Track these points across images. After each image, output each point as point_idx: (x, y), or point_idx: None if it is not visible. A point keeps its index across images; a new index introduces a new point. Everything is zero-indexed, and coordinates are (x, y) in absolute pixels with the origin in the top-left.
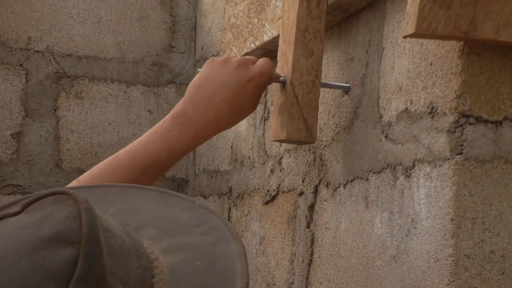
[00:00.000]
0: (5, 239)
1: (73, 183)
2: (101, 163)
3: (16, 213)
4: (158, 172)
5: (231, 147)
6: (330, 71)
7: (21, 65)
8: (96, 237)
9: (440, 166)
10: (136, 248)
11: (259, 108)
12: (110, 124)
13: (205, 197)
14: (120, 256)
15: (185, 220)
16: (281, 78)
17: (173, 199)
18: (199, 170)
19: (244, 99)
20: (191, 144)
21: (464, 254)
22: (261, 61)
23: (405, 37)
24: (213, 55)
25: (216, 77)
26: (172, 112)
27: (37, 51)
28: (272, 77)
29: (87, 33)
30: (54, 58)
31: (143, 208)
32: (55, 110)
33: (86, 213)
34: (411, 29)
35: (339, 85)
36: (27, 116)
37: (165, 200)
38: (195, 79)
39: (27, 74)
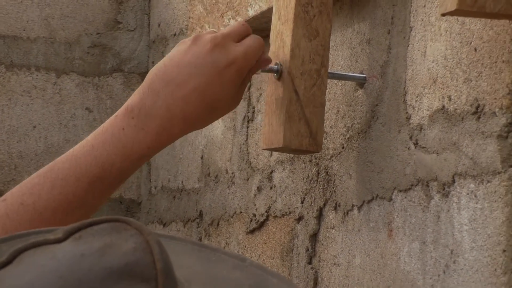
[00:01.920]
0: (61, 266)
1: None
2: (33, 176)
3: (59, 240)
4: (110, 185)
5: (202, 158)
6: (339, 57)
7: None
8: (173, 275)
9: (488, 182)
10: None
11: (241, 105)
12: (34, 127)
13: (164, 224)
14: None
15: (237, 279)
16: (276, 66)
17: (217, 254)
18: (155, 188)
19: (220, 90)
20: (152, 146)
21: None
22: (248, 39)
23: (443, 15)
24: (174, 35)
25: (184, 58)
26: (125, 105)
27: None
28: (260, 61)
29: (3, 4)
30: None
31: (179, 260)
32: None
33: (157, 246)
34: (452, 5)
35: (352, 75)
36: None
37: (205, 255)
38: (159, 63)
39: None
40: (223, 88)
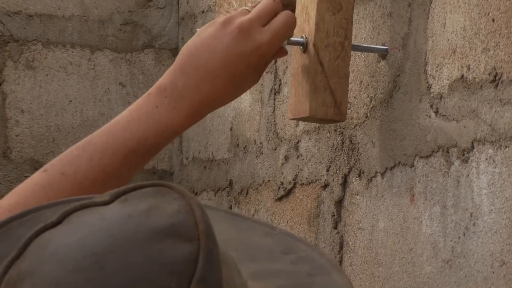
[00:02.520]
0: (110, 225)
1: (39, 173)
2: (72, 148)
3: (106, 203)
4: (144, 158)
5: (231, 129)
6: (362, 30)
7: None
8: (214, 236)
9: (506, 147)
10: (235, 263)
11: (268, 78)
12: (71, 101)
13: (196, 193)
14: (228, 267)
15: (269, 245)
16: (301, 39)
17: (248, 222)
18: (187, 159)
19: (245, 73)
20: (183, 123)
21: None
22: (276, 23)
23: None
24: (202, 12)
25: (213, 42)
26: (158, 83)
27: None
28: (276, 53)
29: None
30: None
31: (215, 227)
32: (0, 85)
33: (199, 209)
34: None
35: (375, 47)
36: None
37: (237, 222)
38: (189, 43)
39: None
40: (248, 71)
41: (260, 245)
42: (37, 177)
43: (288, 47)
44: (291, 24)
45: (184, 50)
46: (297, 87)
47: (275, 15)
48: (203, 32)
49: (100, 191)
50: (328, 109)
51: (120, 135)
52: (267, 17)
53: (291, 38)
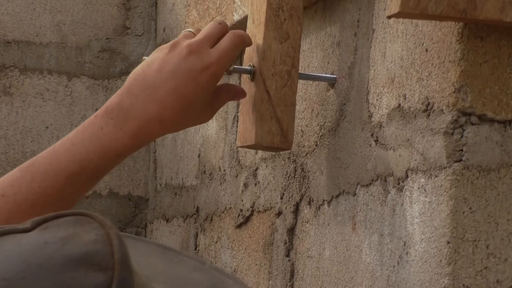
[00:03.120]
0: (25, 251)
1: None
2: (15, 170)
3: (26, 230)
4: (88, 180)
5: (199, 156)
6: (314, 59)
7: None
8: (130, 266)
9: (436, 176)
10: None
11: (231, 105)
12: (47, 127)
13: (167, 220)
14: None
15: (197, 280)
16: (249, 67)
17: (179, 256)
18: (160, 185)
19: (195, 93)
20: (129, 145)
21: (463, 285)
22: (223, 41)
23: (389, 17)
24: None
25: (162, 64)
26: (105, 106)
27: None
28: (235, 93)
29: (17, 11)
30: None
31: (143, 260)
32: None
33: (117, 239)
34: (396, 8)
35: (322, 76)
36: None
37: (168, 256)
38: (137, 68)
39: None
40: (198, 91)
41: (188, 279)
42: None
43: (237, 76)
44: (238, 43)
45: (132, 74)
46: (245, 115)
47: (222, 36)
48: (151, 57)
49: (42, 214)
50: (274, 137)
51: (63, 157)
52: (214, 38)
53: (240, 67)
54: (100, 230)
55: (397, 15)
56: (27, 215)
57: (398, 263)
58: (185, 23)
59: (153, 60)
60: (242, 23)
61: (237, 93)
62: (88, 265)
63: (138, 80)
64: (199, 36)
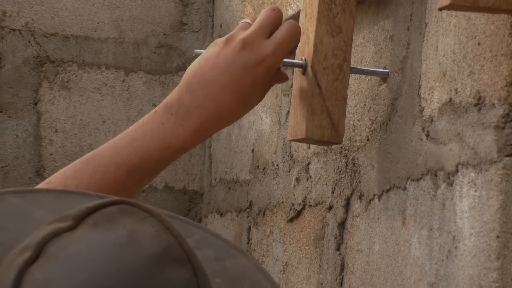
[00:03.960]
0: (106, 258)
1: (42, 185)
2: (76, 162)
3: (72, 227)
4: (148, 174)
5: (252, 151)
6: (367, 53)
7: None
8: (196, 255)
9: (486, 170)
10: None
11: (285, 100)
12: (104, 121)
13: (221, 214)
14: None
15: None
16: (301, 61)
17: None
18: (215, 180)
19: (251, 88)
20: (189, 141)
21: None
22: (279, 34)
23: (440, 9)
24: None
25: (217, 60)
26: (164, 101)
27: (13, 30)
28: (276, 77)
29: (76, 7)
30: (35, 38)
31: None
32: (35, 104)
33: (173, 228)
34: (447, 0)
35: (374, 70)
36: (1, 112)
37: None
38: (194, 63)
39: (0, 58)
40: (253, 86)
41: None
42: (40, 186)
43: (290, 69)
44: (294, 34)
45: (189, 70)
46: (296, 108)
47: (278, 25)
48: (207, 52)
49: None
50: (325, 131)
51: (124, 150)
52: (269, 28)
53: (291, 60)
54: (152, 220)
55: (448, 7)
56: None
57: (447, 258)
58: (241, 18)
59: (209, 56)
60: (295, 18)
61: (282, 77)
62: (169, 261)
63: (196, 77)
64: (253, 27)
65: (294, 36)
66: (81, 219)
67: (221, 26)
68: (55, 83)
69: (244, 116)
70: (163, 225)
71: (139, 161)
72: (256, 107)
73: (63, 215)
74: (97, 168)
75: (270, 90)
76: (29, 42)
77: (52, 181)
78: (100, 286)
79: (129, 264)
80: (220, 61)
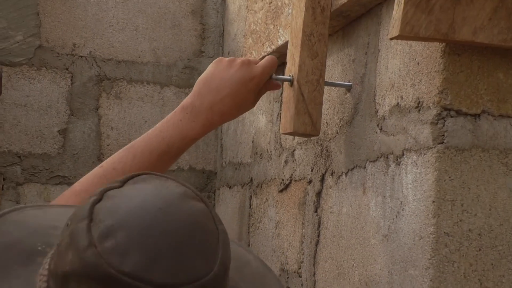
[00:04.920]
0: (152, 195)
1: (97, 168)
2: (120, 151)
3: (119, 186)
4: (172, 157)
5: (252, 142)
6: (336, 71)
7: (66, 69)
8: (204, 197)
9: (424, 154)
10: None
11: (276, 105)
12: (146, 121)
13: (230, 187)
14: None
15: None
16: (290, 77)
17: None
18: (225, 163)
19: (245, 95)
20: (200, 132)
21: (444, 232)
22: (264, 62)
23: (391, 39)
24: None
25: (221, 75)
26: (181, 104)
27: (81, 56)
28: (271, 85)
29: (125, 40)
30: (96, 62)
31: None
32: (97, 109)
33: (186, 183)
34: (396, 32)
35: (342, 83)
36: (72, 115)
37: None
38: (203, 75)
39: (72, 77)
40: (247, 94)
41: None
42: (96, 171)
43: (280, 83)
44: (273, 63)
45: (199, 81)
46: (286, 111)
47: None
48: (214, 68)
49: None
50: (307, 127)
51: (155, 140)
52: (257, 61)
53: (282, 76)
54: (172, 180)
55: (396, 37)
56: None
57: (396, 217)
58: (243, 47)
59: (215, 70)
60: (283, 47)
61: (276, 86)
62: (191, 198)
63: (205, 86)
64: (247, 58)
65: (273, 65)
66: (124, 181)
67: (228, 53)
68: (111, 94)
69: (246, 116)
70: (179, 182)
71: (166, 148)
72: (253, 109)
73: (112, 181)
74: (136, 154)
75: (265, 98)
76: (92, 65)
77: (104, 165)
78: (146, 208)
79: (164, 197)
80: (224, 75)
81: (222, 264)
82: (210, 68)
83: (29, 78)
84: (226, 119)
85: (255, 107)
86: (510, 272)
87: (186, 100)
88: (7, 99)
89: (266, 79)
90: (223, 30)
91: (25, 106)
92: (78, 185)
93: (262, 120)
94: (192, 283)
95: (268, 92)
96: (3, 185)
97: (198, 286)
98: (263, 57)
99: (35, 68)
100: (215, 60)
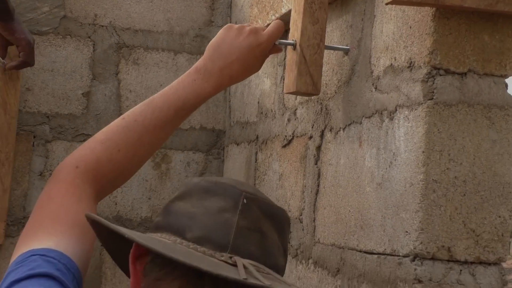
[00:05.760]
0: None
1: (119, 120)
2: (140, 104)
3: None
4: (187, 113)
5: (258, 102)
6: (334, 36)
7: (89, 37)
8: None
9: (415, 109)
10: None
11: (280, 69)
12: (161, 85)
13: (237, 144)
14: None
15: None
16: (292, 41)
17: None
18: (233, 122)
19: (251, 60)
20: (211, 92)
21: (432, 180)
22: (270, 29)
23: (386, 4)
24: None
25: (231, 41)
26: (195, 66)
27: (102, 26)
28: (275, 49)
29: (142, 11)
30: (116, 31)
31: None
32: (116, 74)
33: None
34: None
35: (340, 47)
36: (94, 79)
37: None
38: (214, 40)
39: (94, 44)
40: (254, 59)
41: None
42: (118, 122)
43: (283, 47)
44: (280, 29)
45: (210, 45)
46: (289, 72)
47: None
48: (224, 34)
49: (158, 133)
50: (308, 86)
51: (172, 97)
52: (264, 28)
53: (286, 40)
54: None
55: (391, 3)
56: (151, 134)
57: (389, 166)
58: (250, 17)
59: (225, 36)
60: (287, 15)
61: (278, 49)
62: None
63: (216, 51)
64: (254, 26)
65: (280, 30)
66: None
67: (236, 23)
68: (129, 60)
69: (252, 80)
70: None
71: (182, 104)
72: (258, 72)
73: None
74: (155, 109)
75: (269, 63)
76: (112, 34)
77: (125, 117)
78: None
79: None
80: (234, 41)
81: None
82: (220, 34)
83: (55, 46)
84: (235, 81)
85: (260, 71)
86: (491, 215)
87: (199, 63)
88: (36, 64)
89: (272, 44)
90: (231, 1)
91: (52, 71)
92: (102, 134)
93: (267, 82)
94: None
95: (272, 57)
96: (33, 142)
97: None
98: (268, 24)
99: (61, 36)
100: (225, 26)
